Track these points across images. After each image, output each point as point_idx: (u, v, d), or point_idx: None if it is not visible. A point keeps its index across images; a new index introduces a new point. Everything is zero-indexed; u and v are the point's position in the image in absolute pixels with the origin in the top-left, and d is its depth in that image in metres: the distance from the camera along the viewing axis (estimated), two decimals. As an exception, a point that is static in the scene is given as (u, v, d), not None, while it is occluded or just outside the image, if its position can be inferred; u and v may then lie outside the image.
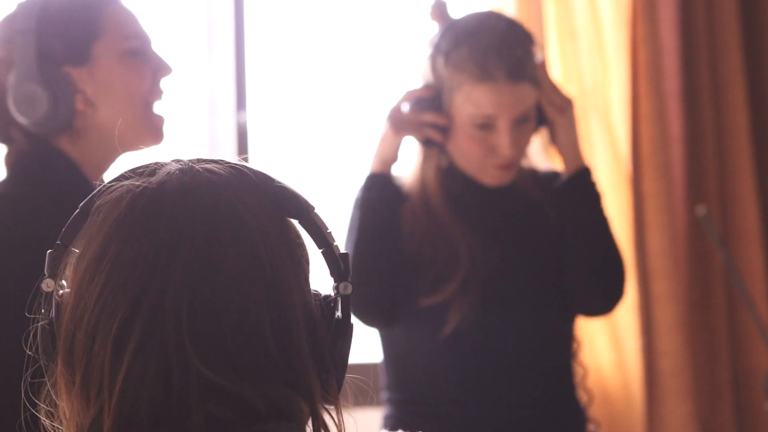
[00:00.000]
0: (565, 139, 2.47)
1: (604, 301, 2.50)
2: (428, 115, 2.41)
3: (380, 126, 2.46)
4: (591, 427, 2.59)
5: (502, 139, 2.38)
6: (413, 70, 2.48)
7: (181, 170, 1.20)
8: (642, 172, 3.36)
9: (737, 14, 3.52)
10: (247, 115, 3.19)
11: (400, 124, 2.42)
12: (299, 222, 1.23)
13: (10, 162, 2.03)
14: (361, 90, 3.34)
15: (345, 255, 1.24)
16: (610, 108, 3.36)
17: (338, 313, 1.22)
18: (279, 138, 3.32)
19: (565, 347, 2.52)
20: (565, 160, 2.49)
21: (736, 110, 3.49)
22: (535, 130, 2.46)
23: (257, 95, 3.23)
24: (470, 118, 2.38)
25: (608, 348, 3.33)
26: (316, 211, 1.24)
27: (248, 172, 1.22)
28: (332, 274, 1.24)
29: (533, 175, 2.53)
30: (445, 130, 2.42)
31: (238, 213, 1.18)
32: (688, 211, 3.44)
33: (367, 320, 2.42)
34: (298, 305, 1.18)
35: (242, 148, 3.17)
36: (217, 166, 1.21)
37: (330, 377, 1.21)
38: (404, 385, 2.48)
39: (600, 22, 3.36)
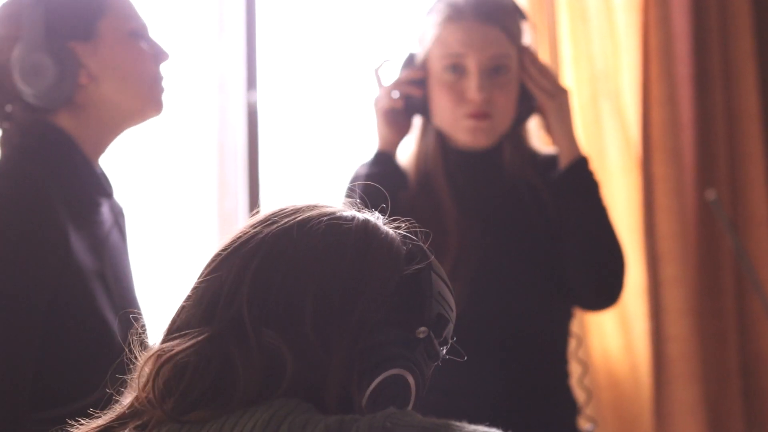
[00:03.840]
0: (558, 127, 2.43)
1: (601, 295, 2.44)
2: (405, 72, 2.43)
3: (371, 117, 2.48)
4: (587, 425, 2.54)
5: (471, 81, 2.37)
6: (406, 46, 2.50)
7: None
8: (652, 156, 3.36)
9: (750, -1, 3.51)
10: (258, 94, 3.19)
11: (381, 103, 2.45)
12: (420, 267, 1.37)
13: (7, 141, 2.04)
14: (373, 70, 3.33)
15: (441, 316, 1.35)
16: (621, 92, 3.35)
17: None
18: (289, 117, 3.32)
19: (557, 340, 2.46)
20: (561, 151, 2.45)
21: (747, 95, 3.49)
22: (516, 91, 2.43)
23: (268, 75, 3.23)
24: (440, 61, 2.39)
25: (616, 332, 3.33)
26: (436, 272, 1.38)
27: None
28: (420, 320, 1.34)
29: (532, 158, 2.49)
30: (423, 84, 2.42)
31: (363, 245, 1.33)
32: (698, 196, 3.44)
33: None
34: (360, 316, 1.29)
35: (252, 128, 3.17)
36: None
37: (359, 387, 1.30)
38: None
39: (612, 6, 3.35)
